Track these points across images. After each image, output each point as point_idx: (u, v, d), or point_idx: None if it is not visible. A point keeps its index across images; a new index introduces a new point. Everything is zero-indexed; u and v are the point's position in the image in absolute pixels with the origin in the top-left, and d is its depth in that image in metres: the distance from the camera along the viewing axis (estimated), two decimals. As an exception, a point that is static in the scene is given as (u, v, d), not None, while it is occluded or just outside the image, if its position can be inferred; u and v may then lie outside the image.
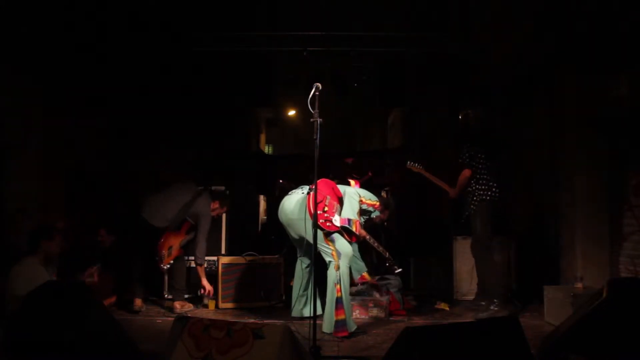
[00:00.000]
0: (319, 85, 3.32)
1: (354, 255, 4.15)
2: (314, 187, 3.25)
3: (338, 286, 3.74)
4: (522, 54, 5.19)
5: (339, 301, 3.70)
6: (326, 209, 3.84)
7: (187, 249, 4.67)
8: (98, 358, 2.42)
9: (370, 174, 6.32)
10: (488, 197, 4.33)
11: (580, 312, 2.51)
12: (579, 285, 4.07)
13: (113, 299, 4.61)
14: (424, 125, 6.48)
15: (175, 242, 4.54)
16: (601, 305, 2.34)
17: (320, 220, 3.75)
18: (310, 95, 3.31)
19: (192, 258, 4.68)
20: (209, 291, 4.53)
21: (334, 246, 3.87)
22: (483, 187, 4.36)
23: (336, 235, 3.90)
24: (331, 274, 3.80)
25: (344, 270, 3.84)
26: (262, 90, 5.93)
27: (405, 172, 5.88)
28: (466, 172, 4.38)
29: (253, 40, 5.66)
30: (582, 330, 2.35)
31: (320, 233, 3.76)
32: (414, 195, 6.65)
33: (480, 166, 4.36)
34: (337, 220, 3.89)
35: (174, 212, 4.45)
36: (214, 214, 4.62)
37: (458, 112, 4.66)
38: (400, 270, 4.12)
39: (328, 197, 3.90)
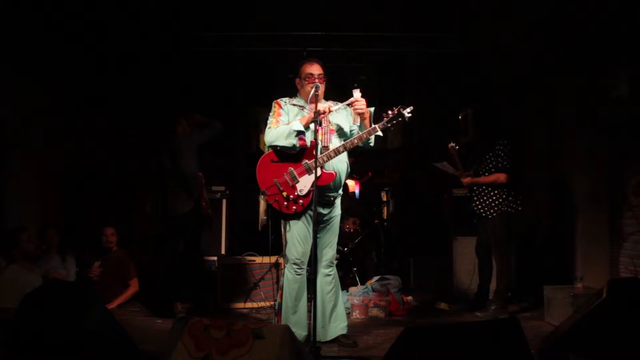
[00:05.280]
0: (319, 85, 3.31)
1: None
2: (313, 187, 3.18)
3: (280, 291, 3.47)
4: (522, 54, 5.19)
5: (279, 306, 3.48)
6: (281, 189, 3.28)
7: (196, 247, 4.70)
8: (98, 358, 2.42)
9: (370, 174, 6.32)
10: (512, 210, 4.28)
11: (580, 312, 2.52)
12: (579, 285, 4.07)
13: (114, 305, 4.61)
14: (424, 125, 6.48)
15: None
16: (601, 305, 2.35)
17: (272, 201, 3.30)
18: (310, 95, 3.30)
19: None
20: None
21: (286, 245, 3.42)
22: (511, 197, 4.25)
23: (291, 227, 3.37)
24: None
25: (287, 275, 3.40)
26: (262, 90, 5.94)
27: (405, 172, 5.88)
28: (501, 178, 4.22)
29: (253, 40, 5.66)
30: (582, 330, 2.35)
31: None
32: (414, 195, 6.65)
33: (516, 174, 4.25)
34: (304, 185, 3.24)
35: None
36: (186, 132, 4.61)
37: (458, 112, 4.66)
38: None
39: (275, 180, 3.30)
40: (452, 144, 4.43)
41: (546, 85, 5.18)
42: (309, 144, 3.30)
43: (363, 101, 3.27)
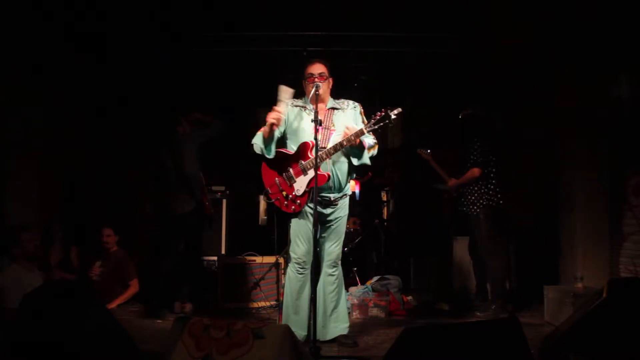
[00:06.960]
0: (319, 84, 3.30)
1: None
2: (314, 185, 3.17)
3: (281, 290, 3.54)
4: (522, 54, 5.19)
5: (281, 304, 3.52)
6: (281, 188, 3.35)
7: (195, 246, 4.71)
8: (98, 358, 2.42)
9: (370, 174, 6.32)
10: (493, 204, 4.33)
11: (580, 312, 2.51)
12: (579, 285, 4.07)
13: (114, 305, 4.60)
14: (424, 125, 6.48)
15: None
16: (601, 305, 2.35)
17: (274, 199, 3.37)
18: (310, 95, 3.30)
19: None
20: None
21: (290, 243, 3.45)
22: (490, 191, 4.33)
23: (293, 226, 3.43)
24: None
25: (289, 273, 3.44)
26: (262, 90, 5.93)
27: (405, 172, 5.84)
28: (475, 172, 4.33)
29: (253, 40, 5.66)
30: (582, 330, 2.35)
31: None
32: (414, 195, 6.65)
33: (491, 168, 4.34)
34: (300, 186, 3.30)
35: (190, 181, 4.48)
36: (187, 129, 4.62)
37: (458, 112, 4.66)
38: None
39: (276, 179, 3.38)
40: (420, 150, 4.53)
41: (546, 85, 5.18)
42: (271, 155, 3.37)
43: (347, 130, 3.28)
